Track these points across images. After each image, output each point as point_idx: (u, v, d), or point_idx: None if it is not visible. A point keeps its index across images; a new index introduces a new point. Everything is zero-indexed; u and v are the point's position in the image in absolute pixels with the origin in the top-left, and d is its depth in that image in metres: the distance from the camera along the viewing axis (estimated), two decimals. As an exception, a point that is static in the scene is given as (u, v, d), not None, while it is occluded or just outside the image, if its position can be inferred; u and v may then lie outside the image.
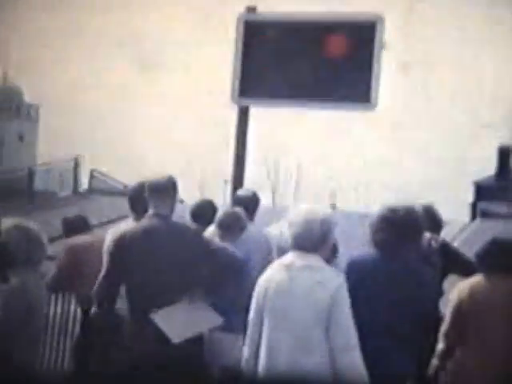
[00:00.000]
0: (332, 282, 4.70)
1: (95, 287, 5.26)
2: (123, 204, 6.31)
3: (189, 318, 5.08)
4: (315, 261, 4.75)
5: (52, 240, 5.55)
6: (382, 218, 5.26)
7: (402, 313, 5.09)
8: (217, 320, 5.17)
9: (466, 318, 5.22)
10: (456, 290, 5.34)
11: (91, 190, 28.79)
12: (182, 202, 6.71)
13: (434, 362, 5.39)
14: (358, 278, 5.08)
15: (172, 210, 5.37)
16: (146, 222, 5.32)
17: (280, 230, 5.83)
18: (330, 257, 5.70)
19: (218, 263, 5.29)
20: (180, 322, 5.04)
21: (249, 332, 4.85)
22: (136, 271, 5.17)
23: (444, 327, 5.32)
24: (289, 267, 4.75)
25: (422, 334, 5.23)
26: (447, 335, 5.30)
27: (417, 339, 5.18)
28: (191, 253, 5.22)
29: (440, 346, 5.33)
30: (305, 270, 4.72)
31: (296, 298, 4.69)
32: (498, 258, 5.27)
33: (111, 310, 5.25)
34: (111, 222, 14.33)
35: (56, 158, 29.37)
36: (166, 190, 5.35)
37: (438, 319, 6.09)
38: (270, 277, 4.79)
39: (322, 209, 4.92)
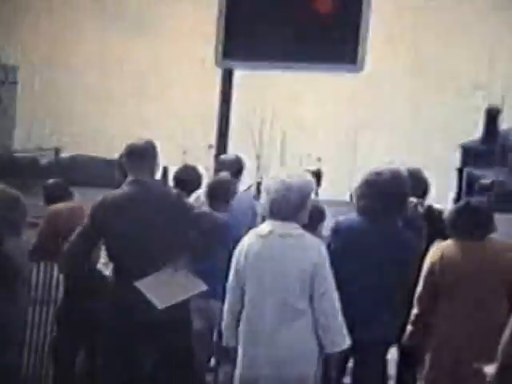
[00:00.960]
0: (313, 249, 4.66)
1: (67, 244, 5.13)
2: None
3: (173, 285, 5.04)
4: (294, 228, 4.69)
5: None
6: (366, 182, 5.23)
7: (385, 276, 5.10)
8: (201, 286, 5.12)
9: (437, 281, 5.17)
10: (429, 254, 5.28)
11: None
12: (164, 167, 6.59)
13: (409, 328, 5.32)
14: (343, 241, 5.12)
15: (152, 175, 5.22)
16: (125, 188, 5.17)
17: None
18: (317, 222, 5.66)
19: (201, 228, 5.17)
20: (165, 288, 5.00)
21: (228, 299, 4.82)
22: (117, 237, 5.06)
23: (418, 291, 5.25)
24: (268, 236, 4.69)
25: (406, 297, 5.24)
26: (420, 299, 5.23)
27: (401, 303, 5.18)
28: (173, 218, 5.10)
29: (414, 310, 5.27)
30: (284, 239, 4.67)
31: (278, 266, 4.64)
32: (468, 224, 5.20)
33: (85, 270, 5.18)
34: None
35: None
36: (143, 154, 5.19)
37: None
38: (250, 245, 4.73)
39: (298, 174, 4.82)
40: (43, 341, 6.45)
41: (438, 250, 5.25)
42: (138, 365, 5.09)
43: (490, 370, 4.31)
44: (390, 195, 5.18)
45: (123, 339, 5.03)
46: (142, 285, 4.96)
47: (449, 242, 5.26)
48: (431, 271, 5.18)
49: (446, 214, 5.50)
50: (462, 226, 5.21)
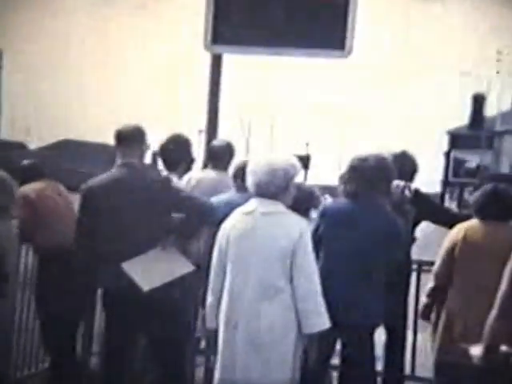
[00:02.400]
0: (295, 227, 4.69)
1: (74, 235, 5.27)
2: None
3: (160, 266, 5.08)
4: (278, 207, 4.73)
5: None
6: (352, 167, 5.35)
7: (372, 257, 5.18)
8: (188, 267, 5.16)
9: (457, 259, 5.44)
10: (451, 232, 5.57)
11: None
12: (154, 152, 6.59)
13: (423, 299, 5.68)
14: (330, 223, 5.19)
15: (141, 158, 5.33)
16: (114, 171, 5.29)
17: None
18: (312, 206, 5.74)
19: (188, 210, 5.24)
20: (151, 270, 5.04)
21: (211, 278, 4.86)
22: (105, 218, 5.15)
23: (435, 267, 5.57)
24: (251, 214, 4.73)
25: (393, 278, 5.41)
26: (437, 274, 5.54)
27: (388, 284, 5.27)
28: (160, 201, 5.19)
29: (430, 284, 5.61)
30: (268, 217, 4.71)
31: (259, 244, 4.68)
32: (495, 207, 5.48)
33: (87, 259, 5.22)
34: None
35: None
36: (132, 138, 5.29)
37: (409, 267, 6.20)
38: (233, 223, 4.78)
39: (283, 156, 4.87)
40: (33, 323, 6.47)
41: (461, 229, 5.52)
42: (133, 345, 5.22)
43: (476, 351, 4.36)
44: (374, 179, 5.29)
45: (116, 319, 5.17)
46: (128, 266, 5.01)
47: (472, 222, 5.53)
48: (452, 248, 5.47)
49: (471, 197, 5.76)
50: (488, 207, 5.49)
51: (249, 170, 4.82)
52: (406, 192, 6.14)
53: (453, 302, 5.45)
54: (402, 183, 6.06)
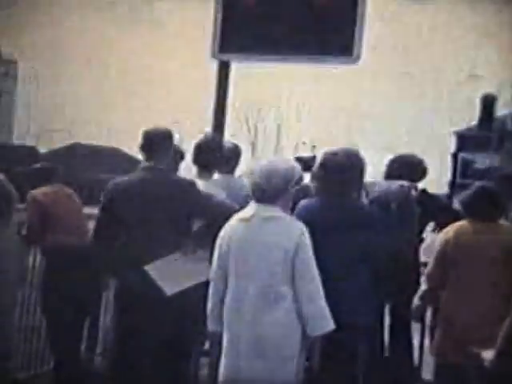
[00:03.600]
0: (295, 232, 4.71)
1: (92, 235, 5.35)
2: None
3: (182, 270, 5.13)
4: (276, 212, 4.75)
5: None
6: (322, 164, 5.23)
7: (350, 253, 5.02)
8: (209, 273, 5.10)
9: (449, 260, 5.44)
10: (442, 233, 5.57)
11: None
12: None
13: (416, 301, 5.66)
14: (304, 222, 4.92)
15: (167, 163, 5.29)
16: (138, 173, 5.28)
17: None
18: None
19: (213, 216, 5.22)
20: (173, 273, 5.09)
21: (212, 284, 4.89)
22: (126, 220, 5.17)
23: (428, 269, 5.57)
24: (250, 219, 4.76)
25: (378, 274, 5.15)
26: (430, 276, 5.53)
27: (373, 280, 5.12)
28: (184, 205, 5.19)
29: (423, 287, 5.60)
30: (267, 222, 4.73)
31: (260, 249, 4.71)
32: (484, 205, 5.45)
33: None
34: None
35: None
36: (159, 142, 5.27)
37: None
38: (232, 229, 4.81)
39: (283, 159, 4.92)
40: (39, 324, 6.53)
41: (452, 229, 5.50)
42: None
43: (488, 355, 4.42)
44: (345, 173, 5.13)
45: (130, 320, 5.18)
46: (151, 269, 5.06)
47: (463, 222, 5.51)
48: (444, 250, 5.46)
49: (461, 196, 5.71)
50: (478, 206, 5.46)
51: (248, 172, 4.87)
52: (412, 192, 6.18)
53: (448, 304, 5.45)
54: (406, 183, 6.10)
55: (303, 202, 5.23)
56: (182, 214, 5.20)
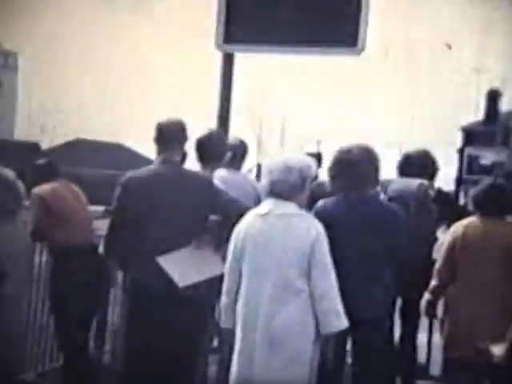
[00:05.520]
0: (311, 229, 4.69)
1: (104, 237, 5.27)
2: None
3: (194, 264, 5.08)
4: (293, 208, 4.72)
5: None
6: (337, 160, 5.22)
7: (373, 250, 5.05)
8: (221, 268, 5.10)
9: (458, 255, 5.44)
10: (451, 229, 5.56)
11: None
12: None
13: (427, 296, 5.63)
14: (324, 222, 4.93)
15: (180, 154, 5.23)
16: (153, 167, 5.23)
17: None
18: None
19: (228, 213, 5.17)
20: (186, 267, 5.04)
21: (226, 280, 4.85)
22: (141, 213, 5.10)
23: (437, 265, 5.55)
24: (267, 216, 4.73)
25: (396, 270, 5.21)
26: (440, 272, 5.53)
27: (390, 276, 5.17)
28: (200, 200, 5.14)
29: (433, 282, 5.58)
30: (283, 218, 4.70)
31: (275, 246, 4.67)
32: (494, 201, 5.45)
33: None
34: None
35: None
36: (174, 133, 5.22)
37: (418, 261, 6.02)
38: (248, 225, 4.78)
39: (300, 156, 4.90)
40: (47, 320, 6.50)
41: (461, 225, 5.50)
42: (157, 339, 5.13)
43: (497, 350, 4.40)
44: (360, 170, 5.14)
45: (141, 315, 5.11)
46: (163, 261, 5.02)
47: (472, 218, 5.50)
48: (452, 246, 5.46)
49: (471, 192, 5.66)
50: (486, 202, 5.45)
51: (264, 169, 4.83)
52: (430, 191, 6.16)
53: (457, 299, 5.44)
54: (426, 182, 6.07)
55: (322, 202, 5.22)
56: (199, 209, 5.15)
